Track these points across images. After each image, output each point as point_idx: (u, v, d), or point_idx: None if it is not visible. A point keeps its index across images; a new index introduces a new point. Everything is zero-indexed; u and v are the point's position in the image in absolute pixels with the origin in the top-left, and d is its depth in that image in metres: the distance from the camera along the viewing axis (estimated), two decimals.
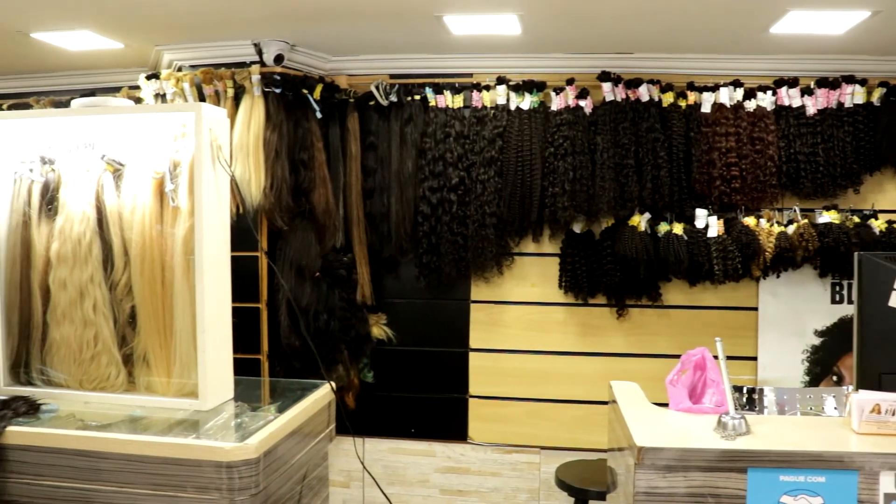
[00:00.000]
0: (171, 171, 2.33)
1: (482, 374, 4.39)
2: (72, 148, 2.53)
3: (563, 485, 3.59)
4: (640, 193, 3.94)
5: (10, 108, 4.50)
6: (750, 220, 3.94)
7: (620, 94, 3.96)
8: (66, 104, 4.30)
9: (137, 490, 2.04)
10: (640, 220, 3.98)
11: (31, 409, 2.30)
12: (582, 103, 4.00)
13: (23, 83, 4.77)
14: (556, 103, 4.04)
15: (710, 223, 3.93)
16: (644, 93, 3.95)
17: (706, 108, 3.95)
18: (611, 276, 4.06)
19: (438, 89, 4.17)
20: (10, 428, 2.13)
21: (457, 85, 4.18)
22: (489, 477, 4.42)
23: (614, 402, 2.58)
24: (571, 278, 4.15)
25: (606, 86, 3.95)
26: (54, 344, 2.51)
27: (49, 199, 2.51)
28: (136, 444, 2.04)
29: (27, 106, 4.53)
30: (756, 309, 4.16)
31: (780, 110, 3.97)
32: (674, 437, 2.14)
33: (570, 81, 4.01)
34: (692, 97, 3.98)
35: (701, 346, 2.51)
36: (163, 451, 2.02)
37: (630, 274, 4.03)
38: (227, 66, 3.92)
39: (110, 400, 2.46)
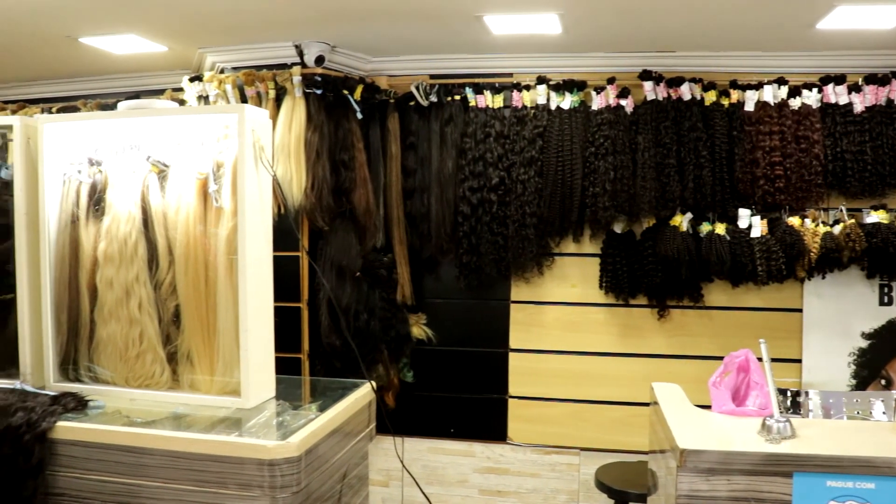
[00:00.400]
0: (214, 171, 2.36)
1: (522, 374, 4.37)
2: (118, 149, 2.57)
3: (602, 486, 3.56)
4: (681, 193, 3.90)
5: (58, 111, 4.59)
6: (794, 220, 3.87)
7: (662, 92, 3.92)
8: (113, 107, 4.38)
9: (182, 486, 2.06)
10: (682, 220, 3.93)
11: (79, 405, 2.34)
12: (623, 102, 3.97)
13: (71, 87, 4.86)
14: (597, 103, 4.01)
15: (753, 223, 3.87)
16: (686, 91, 3.90)
17: (749, 107, 3.89)
18: (652, 277, 4.02)
19: (478, 89, 4.17)
20: (60, 423, 2.17)
21: (497, 85, 4.17)
22: (528, 478, 4.41)
23: (656, 403, 2.55)
24: (612, 279, 4.12)
25: (648, 85, 3.92)
26: (101, 342, 2.55)
27: (96, 200, 2.55)
28: (180, 441, 2.07)
29: (75, 109, 4.62)
30: (800, 310, 4.08)
31: (827, 108, 3.89)
32: (717, 439, 2.11)
33: (610, 80, 3.98)
34: (735, 95, 3.92)
35: (744, 347, 2.47)
36: (206, 449, 2.04)
37: (671, 274, 3.99)
38: (269, 67, 3.96)
39: (155, 397, 2.49)
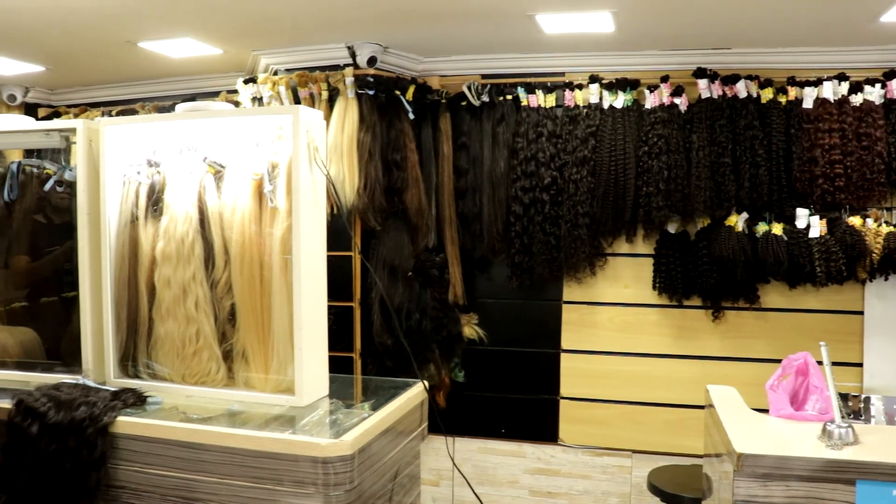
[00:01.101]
0: (269, 172, 2.38)
1: (574, 375, 4.34)
2: (176, 151, 2.61)
3: (655, 490, 3.52)
4: (737, 193, 3.83)
5: (118, 114, 4.70)
6: (855, 220, 3.76)
7: (717, 90, 3.85)
8: (169, 109, 4.48)
9: (237, 482, 2.09)
10: (738, 220, 3.86)
11: (138, 400, 2.39)
12: (677, 101, 3.92)
13: (129, 90, 4.97)
14: (650, 101, 3.96)
15: (811, 223, 3.79)
16: (742, 89, 3.83)
17: (808, 104, 3.80)
18: (706, 278, 3.96)
19: (530, 89, 4.15)
20: (120, 418, 2.21)
21: (549, 84, 4.15)
22: (579, 479, 4.38)
23: (711, 406, 2.51)
24: (666, 279, 4.07)
25: (702, 82, 3.86)
26: (159, 339, 2.59)
27: (155, 201, 2.59)
28: (235, 438, 2.09)
29: (133, 112, 4.73)
30: (861, 313, 3.97)
31: (891, 104, 3.77)
32: (775, 444, 2.07)
33: (664, 79, 3.93)
34: (793, 92, 3.84)
35: (802, 350, 2.41)
36: (261, 446, 2.06)
37: (726, 275, 3.92)
38: (322, 69, 4.00)
39: (210, 394, 2.52)
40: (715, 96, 3.85)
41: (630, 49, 4.03)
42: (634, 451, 4.28)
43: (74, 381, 2.51)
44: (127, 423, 2.20)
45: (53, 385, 2.42)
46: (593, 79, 4.04)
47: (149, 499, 2.16)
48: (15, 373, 2.71)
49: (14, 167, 2.81)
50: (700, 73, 3.85)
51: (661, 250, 4.09)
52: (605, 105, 4.03)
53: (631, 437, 4.27)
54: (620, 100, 3.99)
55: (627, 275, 4.25)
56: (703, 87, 3.86)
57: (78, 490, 2.13)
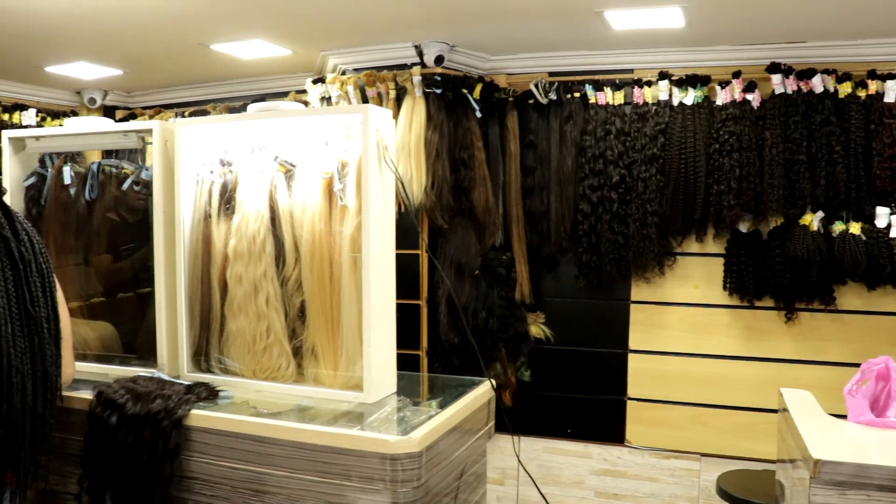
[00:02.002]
0: (339, 171, 2.40)
1: (641, 376, 4.28)
2: (247, 150, 2.66)
3: (724, 494, 3.44)
4: (812, 191, 3.72)
5: (190, 115, 4.81)
6: None
7: (791, 85, 3.75)
8: (240, 110, 4.57)
9: (306, 476, 2.11)
10: (813, 219, 3.75)
11: (210, 394, 2.43)
12: (749, 97, 3.82)
13: (201, 91, 5.09)
14: (722, 98, 3.88)
15: (892, 222, 3.65)
16: (818, 84, 3.71)
17: (890, 98, 3.65)
18: (779, 278, 3.86)
19: (598, 86, 4.11)
20: (194, 411, 2.26)
21: (617, 81, 4.10)
22: (646, 482, 4.31)
23: (785, 410, 2.44)
24: (737, 280, 3.98)
25: (776, 78, 3.75)
26: (231, 335, 2.64)
27: (227, 199, 2.64)
28: (305, 433, 2.12)
29: (205, 112, 4.83)
30: None
31: None
32: (854, 451, 1.99)
33: (736, 74, 3.84)
34: (873, 86, 3.69)
35: (882, 354, 2.33)
36: (330, 441, 2.08)
37: (800, 276, 3.81)
38: (389, 68, 4.03)
39: (280, 389, 2.55)
40: (789, 92, 3.74)
41: (700, 44, 3.95)
42: (703, 455, 4.19)
43: (150, 375, 2.57)
44: (200, 416, 2.25)
45: (130, 378, 2.49)
46: (663, 75, 3.97)
47: (220, 490, 2.20)
48: (94, 365, 2.79)
49: (94, 167, 2.90)
50: (774, 67, 3.74)
51: (732, 250, 4.00)
52: (675, 102, 3.96)
53: (699, 440, 4.19)
54: (691, 96, 3.92)
55: (697, 275, 4.17)
56: (777, 83, 3.75)
57: (153, 479, 2.19)
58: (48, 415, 1.83)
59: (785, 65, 3.76)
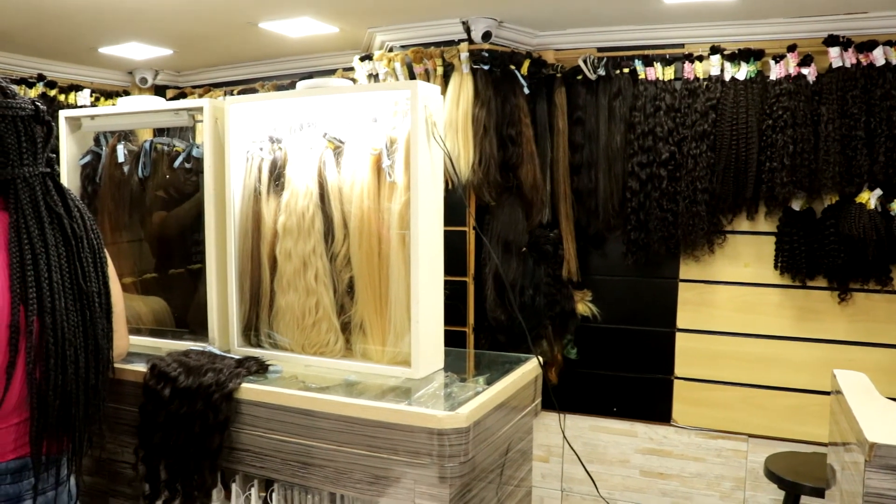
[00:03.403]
0: (387, 147, 2.41)
1: (689, 355, 4.24)
2: (296, 127, 2.67)
3: (773, 476, 3.40)
4: (870, 168, 3.61)
5: (239, 93, 4.86)
6: None
7: (850, 59, 3.63)
8: (287, 87, 4.60)
9: (354, 450, 2.13)
10: (870, 197, 3.65)
11: (260, 368, 2.46)
12: (805, 71, 3.72)
13: (249, 70, 5.13)
14: (776, 72, 3.78)
15: None
16: (879, 56, 3.58)
17: None
18: (833, 258, 3.77)
19: (648, 61, 4.05)
20: (244, 385, 2.29)
21: (668, 56, 4.03)
22: (692, 462, 4.29)
23: (838, 392, 2.39)
24: (789, 259, 3.90)
25: (834, 51, 3.65)
26: (280, 310, 2.66)
27: (276, 176, 2.65)
28: (353, 408, 2.13)
29: (254, 91, 4.88)
30: None
31: None
32: None
33: (791, 48, 3.74)
34: None
35: None
36: (378, 416, 2.09)
37: (855, 255, 3.72)
38: (437, 44, 4.01)
39: (329, 364, 2.57)
40: (848, 65, 3.63)
41: (754, 17, 3.85)
42: (751, 436, 4.14)
43: (201, 349, 2.61)
44: (250, 389, 2.28)
45: (182, 352, 2.53)
46: (714, 50, 3.89)
47: (270, 462, 2.24)
48: (148, 339, 2.85)
49: (147, 145, 2.94)
50: (832, 40, 3.63)
51: (784, 228, 3.92)
52: (727, 77, 3.88)
53: (748, 421, 4.14)
54: (743, 71, 3.84)
55: (748, 253, 4.10)
56: (835, 56, 3.64)
57: (205, 450, 2.23)
58: (100, 386, 1.87)
59: (843, 37, 3.64)
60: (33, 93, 4.54)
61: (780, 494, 3.49)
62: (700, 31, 4.02)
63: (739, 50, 3.84)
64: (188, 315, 2.95)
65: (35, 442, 1.69)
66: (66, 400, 1.73)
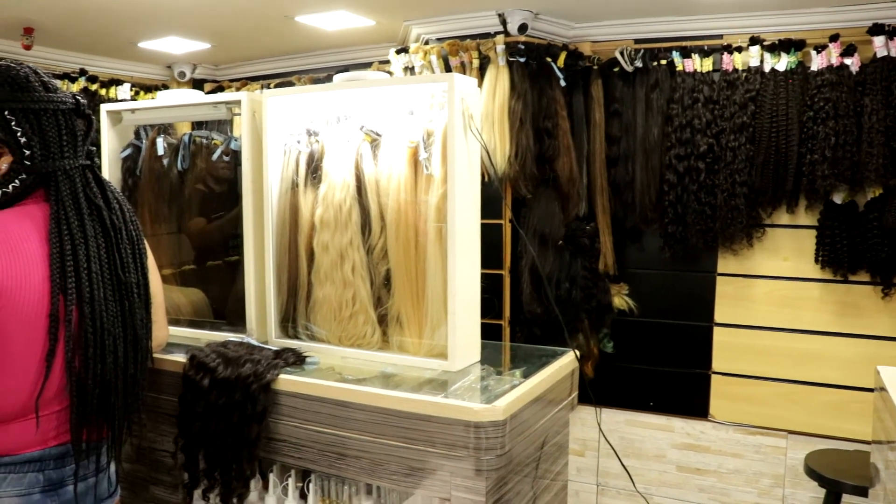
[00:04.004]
0: (424, 140, 2.41)
1: (727, 350, 4.19)
2: (332, 120, 2.68)
3: (813, 474, 3.35)
4: None
5: (275, 86, 4.88)
6: None
7: (895, 48, 3.57)
8: (323, 81, 4.62)
9: (390, 441, 2.14)
10: None
11: (297, 360, 2.48)
12: (847, 61, 3.65)
13: (285, 63, 5.16)
14: (817, 63, 3.72)
15: None
16: None
17: None
18: (876, 252, 3.70)
19: (686, 53, 4.00)
20: (282, 376, 2.31)
21: (706, 48, 3.98)
22: (730, 458, 4.24)
23: (882, 389, 2.35)
24: (830, 252, 3.84)
25: (878, 40, 3.56)
26: (317, 302, 2.68)
27: (314, 168, 2.67)
28: (390, 399, 2.14)
29: (290, 84, 4.90)
30: None
31: None
32: None
33: (833, 38, 3.67)
34: None
35: None
36: (415, 408, 2.10)
37: None
38: (472, 37, 4.00)
39: (365, 356, 2.58)
40: (893, 54, 3.55)
41: (795, 7, 3.78)
42: (790, 432, 4.08)
43: (240, 340, 2.64)
44: (287, 380, 2.29)
45: (221, 343, 2.56)
46: (754, 40, 3.83)
47: (307, 452, 2.26)
48: (187, 330, 2.88)
49: (186, 138, 2.97)
50: (876, 29, 3.55)
51: (825, 221, 3.85)
52: (767, 68, 3.82)
53: (787, 417, 4.08)
54: (783, 62, 3.78)
55: (787, 247, 4.04)
56: (879, 45, 3.56)
57: (243, 440, 2.25)
58: (139, 375, 1.90)
59: (889, 26, 3.55)
60: (75, 87, 4.62)
61: (821, 493, 3.44)
62: (739, 21, 3.96)
63: (780, 40, 3.78)
64: (226, 306, 2.98)
65: (75, 429, 1.72)
66: (106, 389, 1.76)
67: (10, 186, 1.70)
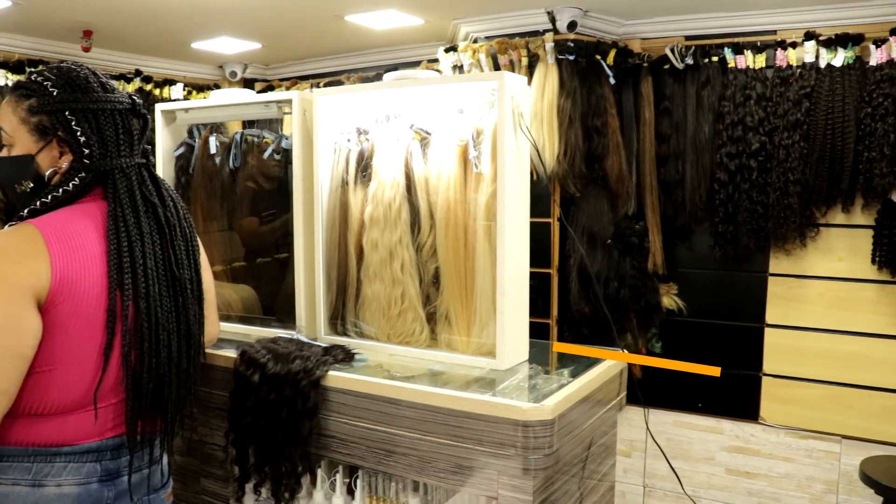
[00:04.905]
0: (474, 138, 2.40)
1: (778, 351, 4.12)
2: (381, 119, 2.69)
3: (869, 480, 3.27)
4: None
5: (325, 85, 4.93)
6: None
7: None
8: (372, 79, 4.65)
9: (438, 439, 2.14)
10: None
11: (346, 357, 2.49)
12: None
13: (335, 62, 5.20)
14: (876, 57, 3.62)
15: None
16: None
17: None
18: None
19: (738, 49, 3.93)
20: (331, 372, 2.32)
21: (759, 43, 3.91)
22: (780, 462, 4.16)
23: None
24: (888, 253, 3.74)
25: None
26: (366, 299, 2.68)
27: (364, 167, 2.68)
28: (438, 397, 2.13)
29: (339, 83, 4.94)
30: None
31: None
32: None
33: (894, 31, 3.57)
34: None
35: None
36: (463, 406, 2.09)
37: None
38: (521, 35, 3.99)
39: (413, 354, 2.57)
40: None
41: (852, 0, 3.71)
42: (844, 437, 4.00)
43: (289, 336, 2.66)
44: (337, 377, 2.30)
45: (271, 339, 2.58)
46: (809, 35, 3.75)
47: (356, 449, 2.27)
48: (237, 326, 2.92)
49: (237, 137, 3.01)
50: None
51: (882, 221, 3.75)
52: (822, 64, 3.74)
53: (841, 422, 3.99)
54: (840, 57, 3.69)
55: (842, 247, 3.95)
56: None
57: (293, 436, 2.27)
58: (192, 370, 1.93)
59: None
60: (131, 87, 4.71)
61: (877, 500, 3.37)
62: (793, 16, 3.89)
63: (836, 35, 3.70)
64: (276, 303, 3.01)
65: (130, 421, 1.76)
66: (160, 382, 1.80)
67: (71, 185, 1.74)
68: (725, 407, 4.28)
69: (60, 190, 1.74)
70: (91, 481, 1.71)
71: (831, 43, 3.71)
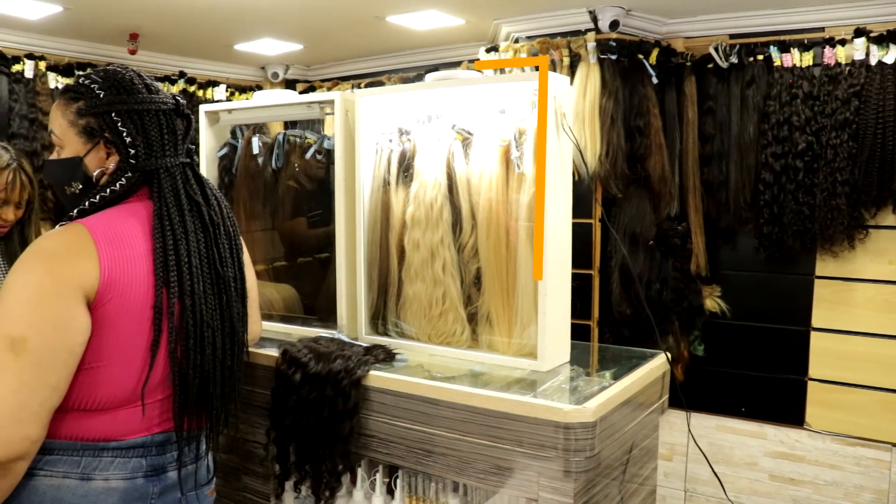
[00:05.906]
0: (516, 138, 2.39)
1: (825, 355, 4.04)
2: (422, 119, 2.69)
3: None
4: None
5: (366, 86, 4.95)
6: None
7: None
8: (413, 80, 4.66)
9: (478, 440, 2.13)
10: None
11: (387, 356, 2.50)
12: None
13: (375, 63, 5.22)
14: None
15: None
16: None
17: None
18: None
19: (784, 47, 3.87)
20: (372, 372, 2.33)
21: (806, 41, 3.84)
22: (827, 469, 4.08)
23: None
24: None
25: None
26: (407, 299, 2.69)
27: (405, 167, 2.68)
28: (478, 398, 2.13)
29: (380, 83, 4.96)
30: None
31: None
32: None
33: None
34: None
35: None
36: (503, 407, 2.08)
37: None
38: (563, 34, 3.97)
39: (454, 354, 2.56)
40: None
41: None
42: (894, 445, 3.91)
43: (331, 336, 2.67)
44: (377, 377, 2.31)
45: (312, 338, 2.60)
46: (859, 32, 3.67)
47: (396, 448, 2.27)
48: (279, 325, 2.94)
49: (280, 137, 3.04)
50: None
51: None
52: (873, 61, 3.65)
53: (890, 429, 3.89)
54: (892, 54, 3.61)
55: (892, 249, 3.85)
56: None
57: (334, 435, 2.29)
58: (236, 367, 1.94)
59: None
60: (175, 89, 4.78)
61: None
62: (842, 12, 3.81)
63: (888, 31, 3.61)
64: (317, 302, 3.03)
65: (177, 417, 1.78)
66: (205, 379, 1.81)
67: (118, 185, 1.77)
68: (769, 412, 4.20)
69: (108, 190, 1.77)
70: (137, 476, 1.74)
71: (883, 39, 3.62)
